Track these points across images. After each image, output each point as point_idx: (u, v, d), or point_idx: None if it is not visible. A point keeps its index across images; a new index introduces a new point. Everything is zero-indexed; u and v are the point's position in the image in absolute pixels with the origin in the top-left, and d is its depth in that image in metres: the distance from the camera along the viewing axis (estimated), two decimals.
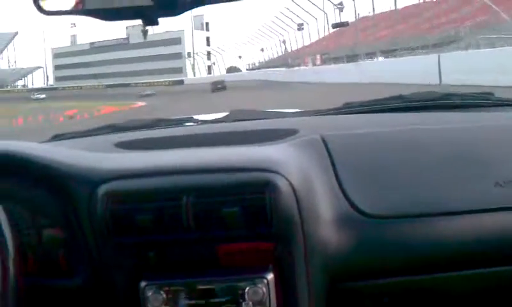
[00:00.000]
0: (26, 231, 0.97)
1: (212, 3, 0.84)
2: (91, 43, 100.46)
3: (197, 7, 0.83)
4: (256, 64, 74.56)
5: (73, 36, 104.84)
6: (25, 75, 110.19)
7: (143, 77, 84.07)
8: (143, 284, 0.91)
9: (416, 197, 1.00)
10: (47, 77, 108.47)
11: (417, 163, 1.06)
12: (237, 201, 0.90)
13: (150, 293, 0.91)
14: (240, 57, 78.38)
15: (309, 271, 0.94)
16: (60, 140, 1.40)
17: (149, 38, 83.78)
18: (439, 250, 0.97)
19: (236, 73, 73.47)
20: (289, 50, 59.29)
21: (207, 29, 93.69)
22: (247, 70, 76.75)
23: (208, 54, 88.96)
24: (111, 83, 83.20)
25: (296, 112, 1.61)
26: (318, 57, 51.18)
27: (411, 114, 1.33)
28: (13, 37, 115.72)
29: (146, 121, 1.50)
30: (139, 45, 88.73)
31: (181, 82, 77.23)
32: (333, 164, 1.04)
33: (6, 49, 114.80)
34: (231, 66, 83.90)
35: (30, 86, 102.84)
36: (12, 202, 0.85)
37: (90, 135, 1.41)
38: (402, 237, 0.97)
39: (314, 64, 48.48)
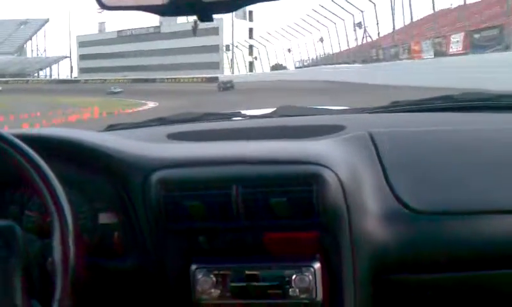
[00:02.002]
0: (83, 215, 1.03)
1: (266, 0, 0.82)
2: (119, 32, 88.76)
3: (254, 3, 0.82)
4: (310, 60, 59.61)
5: (102, 24, 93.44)
6: (49, 65, 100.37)
7: (173, 72, 71.76)
8: (193, 267, 0.97)
9: (465, 194, 1.01)
10: (71, 68, 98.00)
11: (466, 162, 1.07)
12: (285, 192, 0.93)
13: (200, 276, 0.96)
14: (289, 50, 63.33)
15: (355, 262, 0.97)
16: (114, 130, 1.45)
17: (182, 27, 71.19)
18: (486, 248, 0.98)
19: (285, 71, 59.53)
20: (369, 38, 42.93)
21: (250, 19, 79.81)
22: (297, 67, 61.94)
23: (251, 47, 75.14)
24: (137, 77, 71.34)
25: (343, 109, 1.65)
26: (462, 36, 24.97)
27: (460, 114, 1.32)
28: (43, 24, 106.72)
29: (195, 115, 1.55)
30: (171, 35, 76.33)
31: (215, 79, 64.47)
32: (380, 160, 1.06)
33: (35, 36, 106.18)
34: (276, 64, 69.55)
35: (53, 77, 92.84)
36: (71, 186, 0.88)
37: (142, 127, 1.47)
38: (449, 233, 0.98)
39: (444, 54, 26.05)
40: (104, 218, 1.07)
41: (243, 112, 1.59)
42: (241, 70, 72.39)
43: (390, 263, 0.99)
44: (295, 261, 0.95)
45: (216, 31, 75.08)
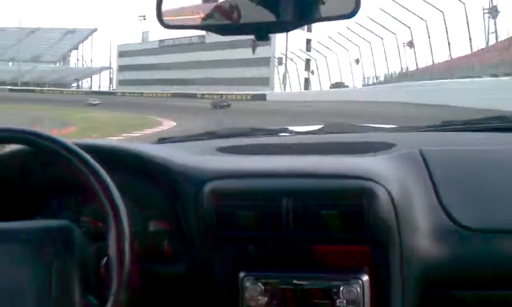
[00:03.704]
0: (135, 222, 1.03)
1: (325, 20, 0.84)
2: (161, 41, 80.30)
3: (311, 23, 0.86)
4: (381, 78, 47.16)
5: (145, 33, 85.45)
6: (87, 76, 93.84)
7: (216, 87, 62.02)
8: (241, 275, 0.99)
9: None
10: (110, 79, 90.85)
11: None
12: (335, 206, 0.95)
13: (248, 284, 0.98)
14: (357, 61, 51.04)
15: (403, 277, 0.98)
16: (166, 143, 1.48)
17: (229, 37, 61.32)
18: None
19: (349, 89, 47.65)
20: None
21: (309, 29, 68.80)
22: (364, 85, 49.69)
23: (307, 62, 64.15)
24: (177, 91, 62.15)
25: (392, 127, 1.62)
26: None
27: None
28: (91, 33, 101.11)
29: (243, 130, 1.59)
30: (216, 46, 66.69)
31: (262, 97, 54.05)
32: (431, 178, 1.06)
33: (81, 46, 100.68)
34: (338, 82, 57.75)
35: (90, 89, 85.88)
36: (125, 194, 0.91)
37: (192, 140, 1.50)
38: (500, 252, 0.98)
39: None
40: (155, 225, 1.10)
41: (290, 128, 1.60)
42: (294, 88, 61.45)
43: (439, 280, 1.00)
44: (343, 273, 0.96)
45: (267, 42, 64.66)
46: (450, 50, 37.76)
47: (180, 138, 1.56)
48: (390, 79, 44.71)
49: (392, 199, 0.97)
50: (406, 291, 0.98)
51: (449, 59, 37.63)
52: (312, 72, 61.23)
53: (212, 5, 0.91)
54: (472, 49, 36.60)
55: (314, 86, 60.24)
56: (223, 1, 0.91)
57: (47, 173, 1.11)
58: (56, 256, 0.86)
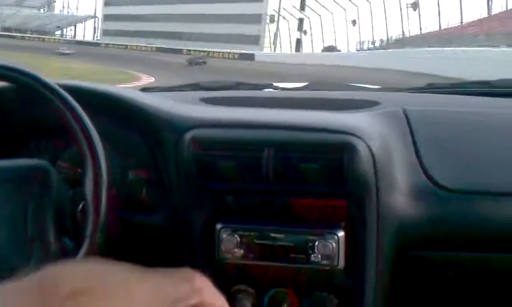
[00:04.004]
0: (114, 170, 1.03)
1: None
2: None
3: None
4: (380, 42, 43.16)
5: None
6: (71, 24, 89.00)
7: (203, 44, 58.15)
8: (218, 226, 0.98)
9: (496, 176, 1.01)
10: (95, 29, 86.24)
11: (500, 145, 1.07)
12: (316, 159, 0.94)
13: (224, 236, 0.98)
14: (354, 22, 46.66)
15: (379, 233, 0.98)
16: (149, 92, 1.44)
17: None
18: None
19: (342, 53, 43.60)
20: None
21: None
22: (358, 50, 45.71)
23: (301, 21, 60.00)
24: (162, 46, 58.24)
25: (377, 87, 1.64)
26: None
27: (498, 99, 1.31)
28: None
29: (229, 83, 1.56)
30: None
31: (250, 57, 50.32)
32: (413, 137, 1.06)
33: None
34: (331, 46, 53.81)
35: (74, 38, 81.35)
36: (105, 140, 0.89)
37: (176, 90, 1.51)
38: (478, 213, 0.99)
39: None
40: (134, 174, 1.09)
41: (275, 84, 1.59)
42: (285, 49, 57.51)
43: (415, 239, 1.00)
44: (319, 228, 0.96)
45: None
46: (462, 13, 33.85)
47: (163, 88, 1.54)
48: (386, 45, 40.91)
49: (372, 155, 0.96)
50: (380, 248, 0.97)
51: (460, 24, 33.68)
52: (305, 32, 57.12)
53: None
54: (490, 12, 32.42)
55: (306, 48, 56.29)
56: None
57: (26, 113, 1.08)
58: (32, 196, 0.85)
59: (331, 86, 1.54)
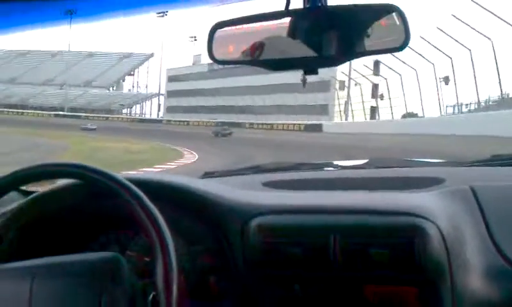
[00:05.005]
0: (182, 257, 1.04)
1: (373, 54, 0.84)
2: (210, 64, 71.91)
3: (359, 57, 0.85)
4: (476, 105, 34.11)
5: (197, 56, 77.71)
6: (136, 103, 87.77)
7: (267, 116, 52.50)
8: None
9: None
10: (159, 106, 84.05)
11: None
12: (385, 244, 0.93)
13: None
14: (447, 79, 37.41)
15: None
16: (210, 177, 1.47)
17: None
18: None
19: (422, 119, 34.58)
20: None
21: None
22: (448, 113, 36.79)
23: (375, 87, 52.54)
24: (225, 120, 53.22)
25: (439, 162, 1.58)
26: None
27: None
28: (147, 59, 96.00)
29: (289, 164, 1.56)
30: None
31: (318, 128, 43.43)
32: (483, 216, 1.03)
33: (136, 71, 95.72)
34: (411, 113, 45.45)
35: (146, 116, 79.50)
36: (173, 230, 0.90)
37: (237, 174, 1.49)
38: None
39: None
40: (201, 261, 1.10)
41: (335, 162, 1.57)
42: (358, 117, 49.88)
43: None
44: None
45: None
46: None
47: (224, 172, 1.54)
48: (484, 107, 32.20)
49: (443, 237, 0.93)
50: None
51: None
52: (382, 97, 49.27)
53: (260, 41, 0.90)
54: None
55: (384, 115, 48.30)
56: (271, 37, 0.91)
57: (95, 208, 1.10)
58: (105, 289, 0.85)
59: (392, 163, 1.47)
